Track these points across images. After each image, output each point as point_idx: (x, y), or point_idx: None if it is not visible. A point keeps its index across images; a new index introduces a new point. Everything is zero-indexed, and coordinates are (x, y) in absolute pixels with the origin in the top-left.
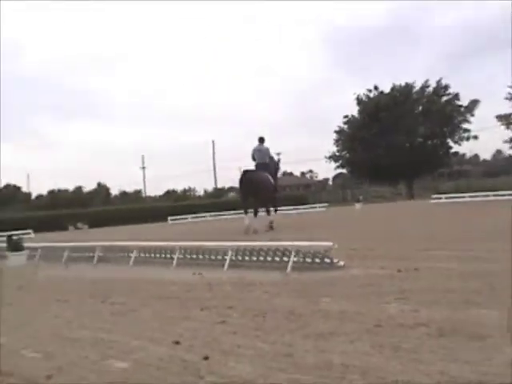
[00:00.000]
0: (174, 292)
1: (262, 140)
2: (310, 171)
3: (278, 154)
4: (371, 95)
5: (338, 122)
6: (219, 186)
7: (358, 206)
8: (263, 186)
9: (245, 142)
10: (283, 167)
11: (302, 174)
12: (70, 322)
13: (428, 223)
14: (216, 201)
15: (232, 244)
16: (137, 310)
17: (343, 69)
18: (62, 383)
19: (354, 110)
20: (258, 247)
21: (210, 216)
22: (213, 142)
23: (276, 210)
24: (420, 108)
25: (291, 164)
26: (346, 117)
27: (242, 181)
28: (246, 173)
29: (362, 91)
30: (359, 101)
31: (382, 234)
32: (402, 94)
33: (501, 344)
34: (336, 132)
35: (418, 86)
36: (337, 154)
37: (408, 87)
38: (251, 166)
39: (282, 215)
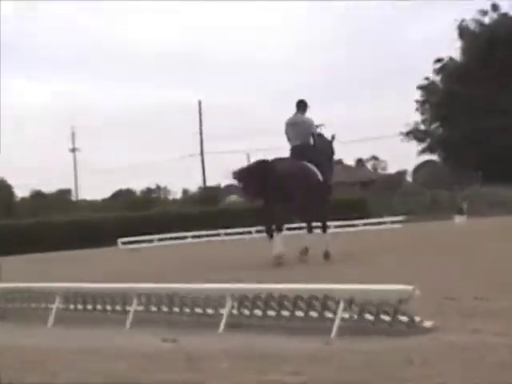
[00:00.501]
0: (121, 375)
1: (301, 106)
2: (374, 158)
3: (319, 126)
4: (485, 20)
5: (423, 72)
6: (211, 182)
7: (458, 219)
8: (302, 185)
9: (260, 106)
10: None
11: (359, 162)
12: None
13: None
14: (206, 209)
15: (233, 287)
16: None
17: None
18: None
19: (451, 50)
20: (279, 292)
21: (195, 237)
22: (199, 103)
23: (325, 228)
24: None
25: (339, 146)
26: (438, 61)
27: (257, 174)
28: (265, 163)
29: (467, 16)
30: (463, 32)
31: (503, 274)
32: None
33: None
34: (420, 88)
35: None
36: (421, 127)
37: None
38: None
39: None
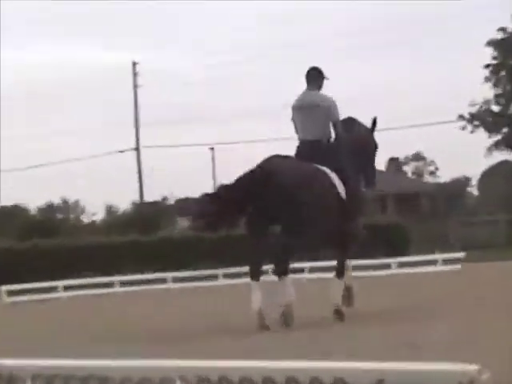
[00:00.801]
0: None
1: (313, 78)
2: (417, 158)
3: None
4: None
5: (496, 20)
6: (151, 196)
7: None
8: (315, 202)
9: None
10: None
11: (393, 163)
12: None
13: None
14: (143, 239)
15: (184, 364)
16: None
17: None
18: None
19: None
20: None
21: (123, 283)
22: (133, 65)
23: (341, 270)
24: None
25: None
26: None
27: (246, 184)
28: (261, 168)
29: None
30: None
31: None
32: None
33: None
34: (492, 45)
35: None
36: (493, 108)
37: None
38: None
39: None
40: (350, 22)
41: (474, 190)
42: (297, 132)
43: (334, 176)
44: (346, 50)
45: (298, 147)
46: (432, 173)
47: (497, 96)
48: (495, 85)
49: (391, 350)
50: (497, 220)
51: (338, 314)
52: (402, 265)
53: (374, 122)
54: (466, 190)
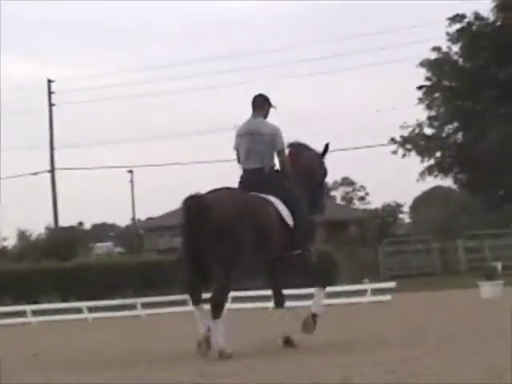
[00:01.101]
0: None
1: (259, 104)
2: (346, 183)
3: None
4: None
5: (430, 40)
6: (66, 220)
7: (488, 289)
8: (244, 231)
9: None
10: None
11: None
12: None
13: None
14: (56, 266)
15: None
16: None
17: None
18: None
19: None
20: None
21: (36, 313)
22: (49, 83)
23: (282, 299)
24: None
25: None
26: (455, 19)
27: (185, 215)
28: (193, 199)
29: None
30: None
31: None
32: None
33: None
34: (425, 66)
35: None
36: (426, 130)
37: None
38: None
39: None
40: (274, 37)
41: (405, 217)
42: (239, 160)
43: (278, 203)
44: (273, 67)
45: (242, 176)
46: (362, 198)
47: (430, 118)
48: (429, 107)
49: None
50: (430, 248)
51: (289, 343)
52: (329, 295)
53: (326, 148)
54: (397, 217)
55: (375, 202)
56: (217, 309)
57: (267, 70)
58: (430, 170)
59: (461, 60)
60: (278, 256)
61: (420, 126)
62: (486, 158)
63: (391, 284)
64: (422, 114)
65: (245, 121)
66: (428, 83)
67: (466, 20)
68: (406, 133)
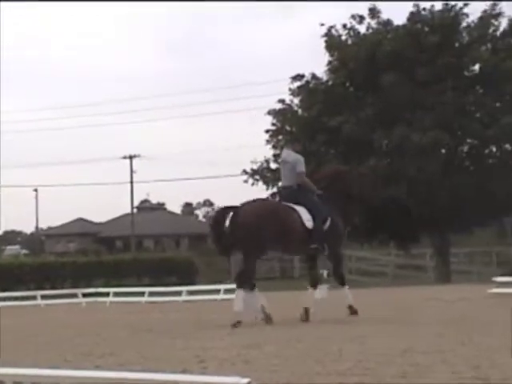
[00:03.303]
0: None
1: (290, 142)
2: (207, 204)
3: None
4: (362, 29)
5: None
6: None
7: (317, 291)
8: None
9: None
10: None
11: (187, 207)
12: None
13: None
14: None
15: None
16: None
17: None
18: None
19: (313, 64)
20: None
21: None
22: None
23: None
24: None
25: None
26: (296, 78)
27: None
28: (225, 208)
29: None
30: (332, 42)
31: None
32: (434, 29)
33: None
34: (272, 114)
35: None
36: (272, 166)
37: (450, 13)
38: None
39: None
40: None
41: None
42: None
43: (301, 210)
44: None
45: (280, 191)
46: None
47: (275, 156)
48: (274, 146)
49: (184, 363)
50: (273, 257)
51: (352, 311)
52: (191, 293)
53: (372, 176)
54: None
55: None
56: (239, 283)
57: (141, 114)
58: (273, 196)
59: (300, 110)
60: (299, 249)
61: (267, 161)
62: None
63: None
64: (269, 152)
65: (282, 152)
66: (274, 128)
67: (305, 79)
68: (255, 166)
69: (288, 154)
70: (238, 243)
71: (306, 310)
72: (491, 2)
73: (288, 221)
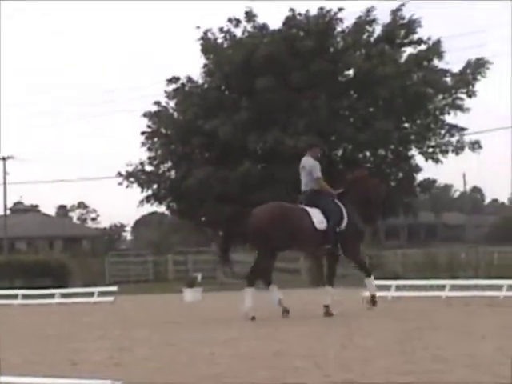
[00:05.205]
0: None
1: (310, 147)
2: (81, 206)
3: None
4: (238, 33)
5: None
6: None
7: (188, 294)
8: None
9: None
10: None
11: (62, 210)
12: None
13: None
14: None
15: None
16: None
17: None
18: None
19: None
20: None
21: None
22: None
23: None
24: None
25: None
26: (172, 81)
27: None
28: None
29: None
30: (207, 46)
31: None
32: (309, 34)
33: None
34: (147, 116)
35: (349, 18)
36: (147, 167)
37: (325, 18)
38: None
39: None
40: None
41: (128, 235)
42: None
43: (312, 211)
44: None
45: (300, 195)
46: (94, 219)
47: (150, 158)
48: (149, 149)
49: (57, 366)
50: (146, 260)
51: (372, 303)
52: (64, 295)
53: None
54: (121, 234)
55: (104, 222)
56: (248, 280)
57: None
58: (148, 199)
59: (176, 113)
60: (312, 248)
61: (142, 164)
62: (192, 191)
63: (114, 288)
64: (144, 154)
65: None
66: (149, 130)
67: (181, 82)
68: (130, 169)
69: (306, 160)
70: (252, 243)
71: (327, 308)
72: (365, 8)
73: (298, 222)
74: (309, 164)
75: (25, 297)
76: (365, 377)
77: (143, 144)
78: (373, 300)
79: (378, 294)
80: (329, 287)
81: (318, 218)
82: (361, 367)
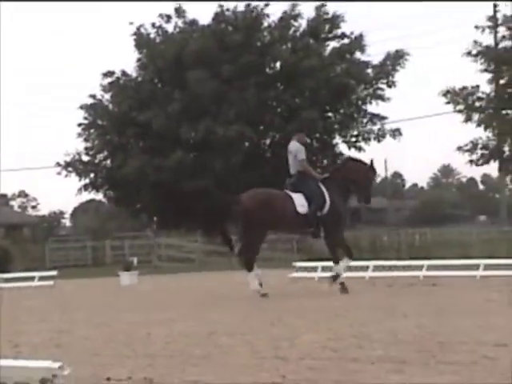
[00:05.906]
0: None
1: (295, 133)
2: (22, 195)
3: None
4: (170, 28)
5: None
6: None
7: (125, 277)
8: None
9: None
10: None
11: (2, 198)
12: None
13: None
14: None
15: None
16: None
17: None
18: None
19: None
20: None
21: None
22: None
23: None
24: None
25: None
26: (106, 75)
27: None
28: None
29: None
30: (140, 41)
31: None
32: (238, 29)
33: None
34: (84, 108)
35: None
36: (84, 157)
37: (252, 13)
38: None
39: None
40: None
41: (67, 222)
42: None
43: (295, 196)
44: None
45: (289, 178)
46: (34, 207)
47: (86, 149)
48: (86, 140)
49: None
50: (85, 245)
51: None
52: (6, 280)
53: (372, 162)
54: (61, 221)
55: (44, 209)
56: (246, 266)
57: None
58: (85, 187)
59: (111, 105)
60: (295, 231)
61: (79, 154)
62: (128, 179)
63: (54, 272)
64: (81, 145)
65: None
66: (86, 122)
67: (116, 75)
68: (68, 159)
69: (293, 145)
70: (242, 226)
71: (342, 284)
72: (291, 3)
73: (282, 207)
74: (295, 148)
75: None
76: (292, 352)
77: (79, 135)
78: (340, 282)
79: (305, 275)
80: (346, 259)
81: (299, 202)
82: (288, 343)
